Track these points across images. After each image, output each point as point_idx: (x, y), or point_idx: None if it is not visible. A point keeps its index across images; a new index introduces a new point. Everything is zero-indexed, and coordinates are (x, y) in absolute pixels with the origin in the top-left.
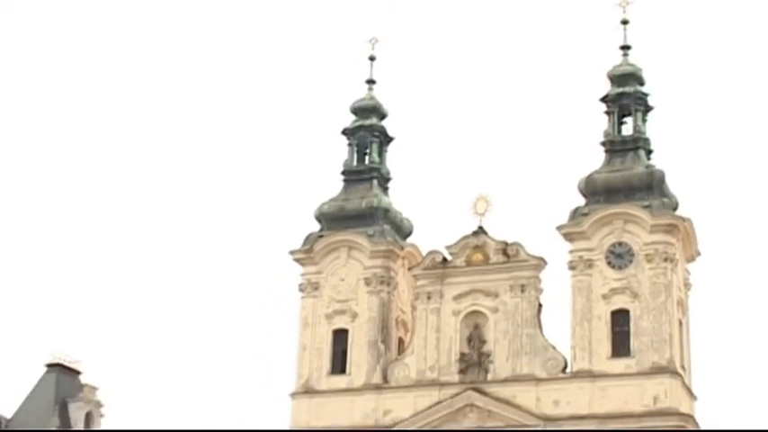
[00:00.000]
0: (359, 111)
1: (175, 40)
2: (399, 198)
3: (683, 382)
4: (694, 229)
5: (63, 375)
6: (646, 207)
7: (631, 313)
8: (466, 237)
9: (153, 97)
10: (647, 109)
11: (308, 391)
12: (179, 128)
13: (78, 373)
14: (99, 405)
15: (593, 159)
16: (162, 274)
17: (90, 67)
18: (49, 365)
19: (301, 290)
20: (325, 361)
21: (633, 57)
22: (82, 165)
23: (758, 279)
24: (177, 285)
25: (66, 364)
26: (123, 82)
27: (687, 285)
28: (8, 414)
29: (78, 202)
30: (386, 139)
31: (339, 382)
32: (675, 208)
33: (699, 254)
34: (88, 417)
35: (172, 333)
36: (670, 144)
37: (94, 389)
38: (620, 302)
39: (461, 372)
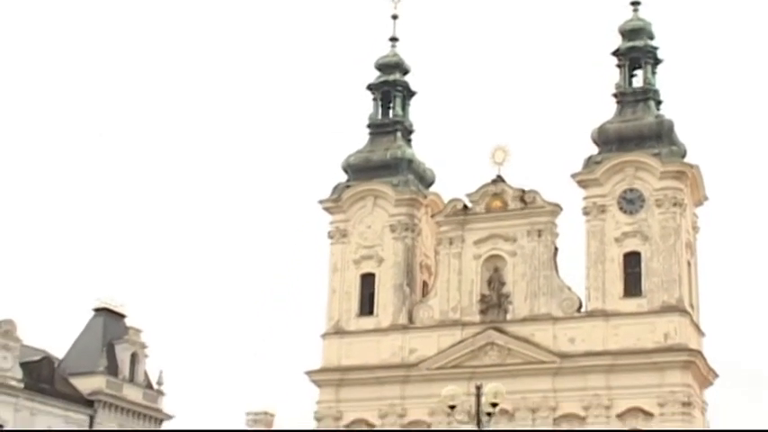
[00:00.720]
0: (383, 67)
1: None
2: (422, 149)
3: (692, 320)
4: (702, 175)
5: (109, 319)
6: (655, 155)
7: (642, 255)
8: (485, 185)
9: (188, 53)
10: (657, 62)
11: (338, 331)
12: (220, 86)
13: (123, 316)
14: (143, 346)
15: (606, 110)
16: (202, 224)
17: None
18: (97, 310)
19: (330, 237)
20: (354, 303)
21: (643, 12)
22: (129, 119)
23: (762, 221)
24: (216, 235)
25: (112, 308)
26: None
27: (695, 228)
28: (60, 355)
29: (123, 153)
30: (408, 94)
31: (367, 323)
32: (684, 155)
33: (706, 198)
34: (133, 357)
35: (210, 279)
36: (678, 95)
37: (138, 331)
38: (631, 245)
39: (482, 312)
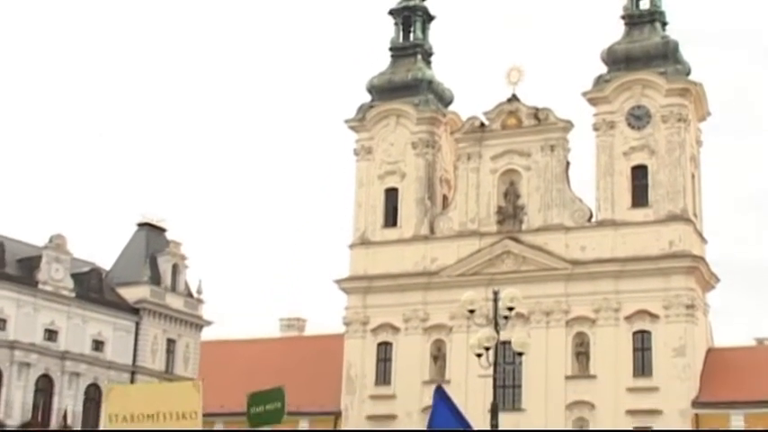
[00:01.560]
0: None
1: None
2: (441, 71)
3: (695, 228)
4: (705, 92)
5: (151, 233)
6: (661, 73)
7: (649, 168)
8: (501, 104)
9: None
10: None
11: (364, 242)
12: (253, 14)
13: (164, 230)
14: (183, 258)
15: (614, 32)
16: (239, 144)
17: None
18: (140, 225)
19: (356, 154)
20: (379, 216)
21: None
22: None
23: (761, 134)
24: (251, 153)
25: (153, 223)
26: None
27: (699, 142)
28: (107, 266)
29: (159, 66)
30: (428, 18)
31: (391, 234)
32: (688, 73)
33: (709, 114)
34: (174, 268)
35: (245, 194)
36: (683, 16)
37: (179, 244)
38: (638, 159)
39: (499, 223)
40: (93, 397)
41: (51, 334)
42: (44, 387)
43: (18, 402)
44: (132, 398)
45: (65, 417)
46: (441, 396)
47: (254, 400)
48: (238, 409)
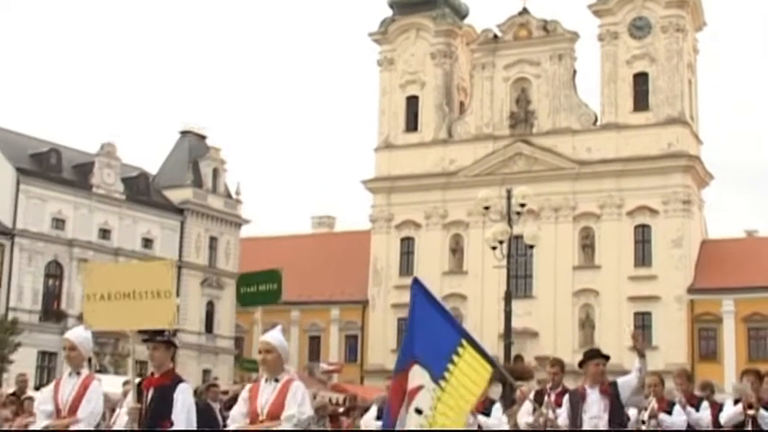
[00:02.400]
0: None
1: None
2: None
3: (692, 130)
4: (701, 3)
5: (193, 139)
6: None
7: (649, 75)
8: (513, 16)
9: None
10: None
11: (387, 146)
12: None
13: (205, 137)
14: (222, 162)
15: None
16: (271, 56)
17: None
18: (183, 132)
19: (379, 65)
20: (401, 122)
21: None
22: None
23: (755, 43)
24: (283, 65)
25: (195, 130)
26: None
27: (695, 51)
28: (153, 171)
29: None
30: None
31: (412, 138)
32: None
33: (705, 24)
34: (215, 171)
35: (277, 104)
36: None
37: (218, 149)
38: (640, 66)
39: (511, 127)
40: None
41: (105, 233)
42: None
43: (77, 295)
44: (109, 277)
45: None
46: (418, 288)
47: (243, 280)
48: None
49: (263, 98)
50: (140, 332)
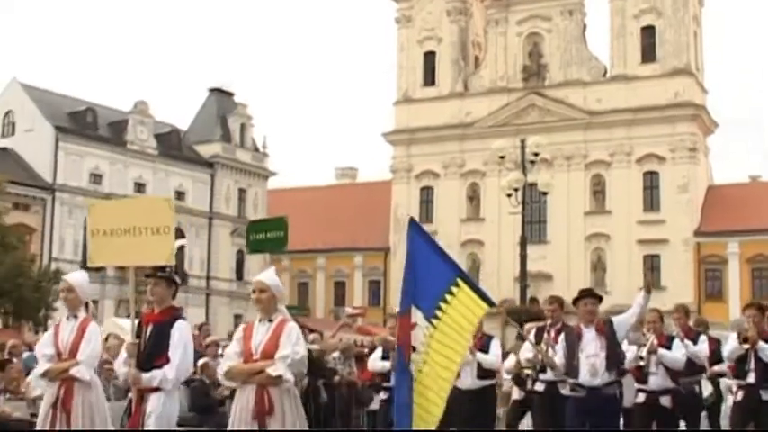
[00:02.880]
0: None
1: None
2: None
3: (697, 81)
4: None
5: (221, 97)
6: None
7: (657, 28)
8: None
9: None
10: None
11: (406, 100)
12: None
13: (232, 94)
14: (249, 118)
15: None
16: (294, 15)
17: None
18: (211, 90)
19: (397, 22)
20: (419, 76)
21: None
22: None
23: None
24: (306, 24)
25: (223, 88)
26: None
27: (701, 3)
28: (184, 127)
29: None
30: None
31: (430, 92)
32: None
33: None
34: (242, 127)
35: (301, 62)
36: None
37: (245, 106)
38: (647, 20)
39: (524, 80)
40: (178, 237)
41: (140, 186)
42: None
43: None
44: (111, 214)
45: None
46: (415, 228)
47: (253, 228)
48: (301, 246)
49: (287, 56)
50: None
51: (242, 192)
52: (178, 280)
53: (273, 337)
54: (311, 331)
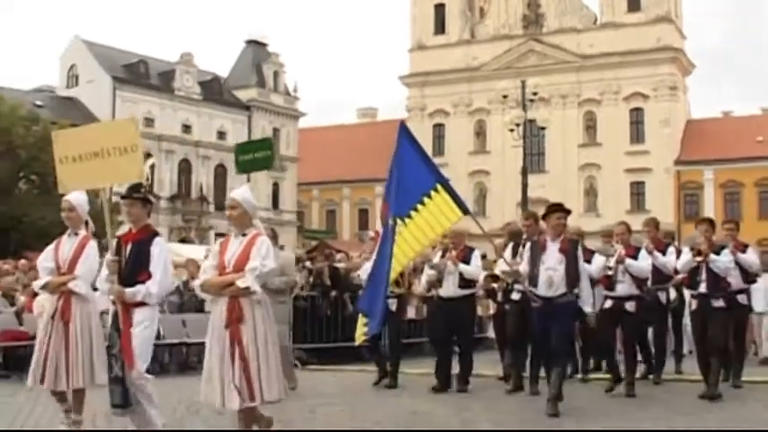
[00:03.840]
0: None
1: None
2: None
3: (677, 27)
4: None
5: (256, 47)
6: None
7: None
8: None
9: None
10: None
11: (420, 47)
12: None
13: (266, 44)
14: (282, 65)
15: None
16: None
17: None
18: (247, 41)
19: None
20: (430, 26)
21: None
22: None
23: None
24: None
25: (258, 39)
26: None
27: None
28: (224, 75)
29: None
30: None
31: (440, 39)
32: None
33: None
34: (275, 73)
35: (327, 14)
36: None
37: (278, 54)
38: None
39: (524, 28)
40: (220, 174)
41: (186, 128)
42: (184, 168)
43: (167, 180)
44: (77, 139)
45: (201, 189)
46: (404, 133)
47: (242, 149)
48: (330, 178)
49: (315, 9)
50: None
51: (276, 131)
52: (153, 199)
53: (245, 251)
54: (338, 252)
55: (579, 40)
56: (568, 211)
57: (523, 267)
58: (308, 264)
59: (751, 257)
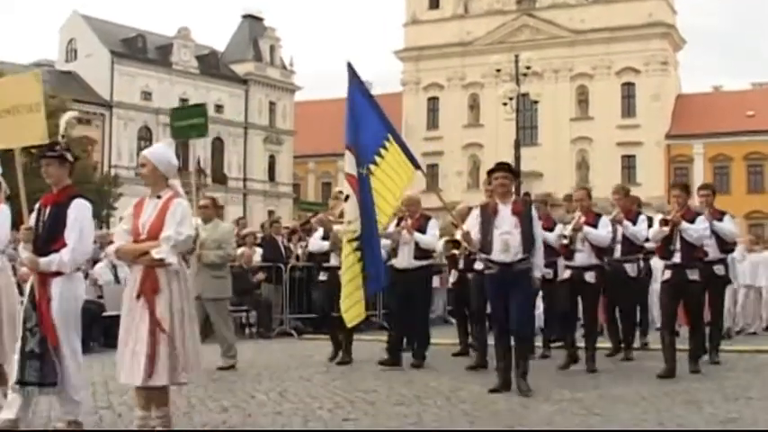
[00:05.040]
0: None
1: None
2: None
3: (668, 3)
4: None
5: (253, 22)
6: None
7: None
8: None
9: None
10: None
11: (414, 21)
12: None
13: (262, 19)
14: (278, 39)
15: None
16: None
17: None
18: (244, 16)
19: None
20: (425, 0)
21: None
22: None
23: None
24: None
25: (254, 14)
26: None
27: None
28: (221, 49)
29: None
30: None
31: (435, 14)
32: None
33: None
34: (271, 48)
35: None
36: None
37: (274, 29)
38: None
39: (518, 2)
40: (217, 147)
41: (184, 102)
42: (182, 141)
43: None
44: None
45: (198, 162)
46: (353, 77)
47: (176, 115)
48: (326, 151)
49: None
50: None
51: (272, 104)
52: (70, 157)
53: (159, 216)
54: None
55: (572, 15)
56: (514, 172)
57: (474, 234)
58: (301, 243)
59: (728, 225)
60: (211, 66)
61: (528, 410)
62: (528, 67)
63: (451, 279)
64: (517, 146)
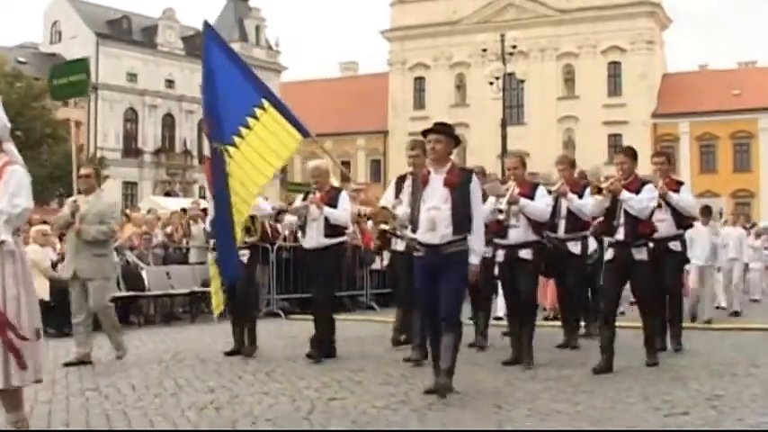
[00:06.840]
0: None
1: None
2: None
3: None
4: None
5: (238, 2)
6: None
7: None
8: None
9: None
10: None
11: (401, 1)
12: None
13: (247, 0)
14: (263, 20)
15: None
16: None
17: None
18: None
19: None
20: None
21: None
22: None
23: None
24: None
25: None
26: None
27: None
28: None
29: None
30: None
31: None
32: None
33: None
34: (257, 28)
35: None
36: None
37: (259, 9)
38: None
39: None
40: (203, 129)
41: (170, 83)
42: (168, 123)
43: (150, 135)
44: None
45: (185, 143)
46: (211, 38)
47: (55, 73)
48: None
49: None
50: None
51: None
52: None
53: None
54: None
55: None
56: (452, 135)
57: (403, 208)
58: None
59: (685, 197)
60: (197, 47)
61: (514, 388)
62: (514, 47)
63: (384, 261)
64: (504, 125)
